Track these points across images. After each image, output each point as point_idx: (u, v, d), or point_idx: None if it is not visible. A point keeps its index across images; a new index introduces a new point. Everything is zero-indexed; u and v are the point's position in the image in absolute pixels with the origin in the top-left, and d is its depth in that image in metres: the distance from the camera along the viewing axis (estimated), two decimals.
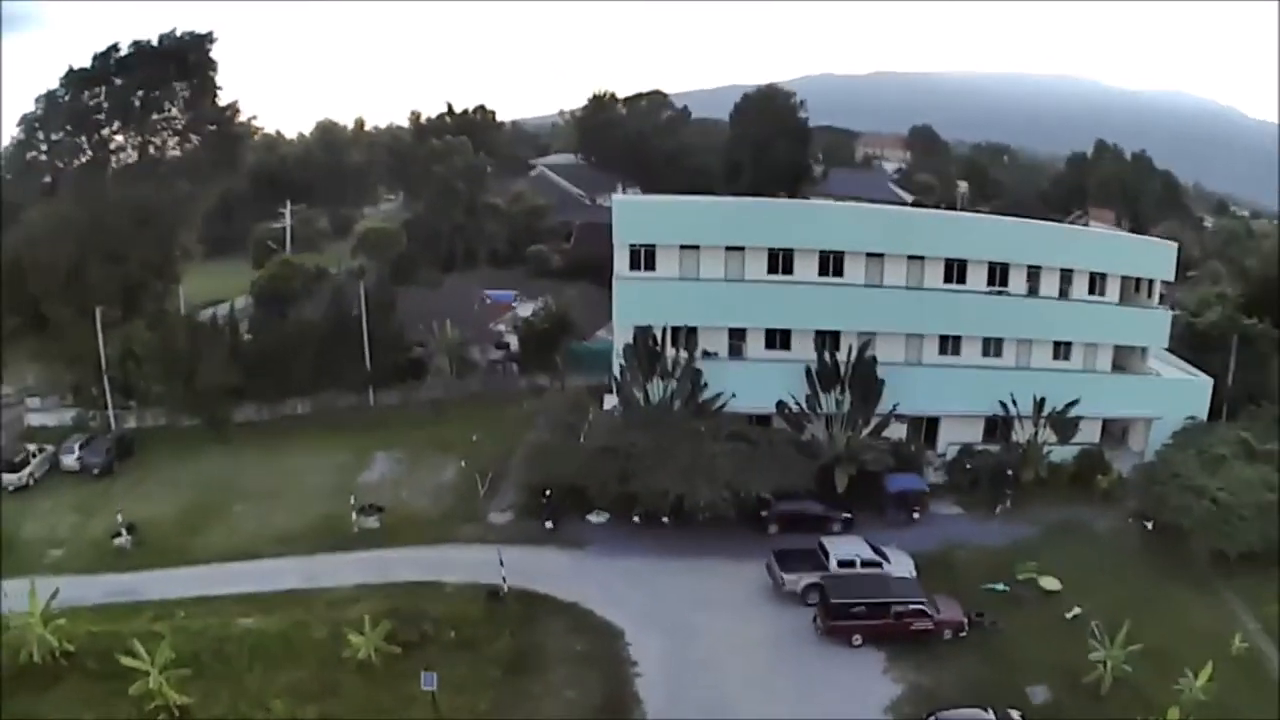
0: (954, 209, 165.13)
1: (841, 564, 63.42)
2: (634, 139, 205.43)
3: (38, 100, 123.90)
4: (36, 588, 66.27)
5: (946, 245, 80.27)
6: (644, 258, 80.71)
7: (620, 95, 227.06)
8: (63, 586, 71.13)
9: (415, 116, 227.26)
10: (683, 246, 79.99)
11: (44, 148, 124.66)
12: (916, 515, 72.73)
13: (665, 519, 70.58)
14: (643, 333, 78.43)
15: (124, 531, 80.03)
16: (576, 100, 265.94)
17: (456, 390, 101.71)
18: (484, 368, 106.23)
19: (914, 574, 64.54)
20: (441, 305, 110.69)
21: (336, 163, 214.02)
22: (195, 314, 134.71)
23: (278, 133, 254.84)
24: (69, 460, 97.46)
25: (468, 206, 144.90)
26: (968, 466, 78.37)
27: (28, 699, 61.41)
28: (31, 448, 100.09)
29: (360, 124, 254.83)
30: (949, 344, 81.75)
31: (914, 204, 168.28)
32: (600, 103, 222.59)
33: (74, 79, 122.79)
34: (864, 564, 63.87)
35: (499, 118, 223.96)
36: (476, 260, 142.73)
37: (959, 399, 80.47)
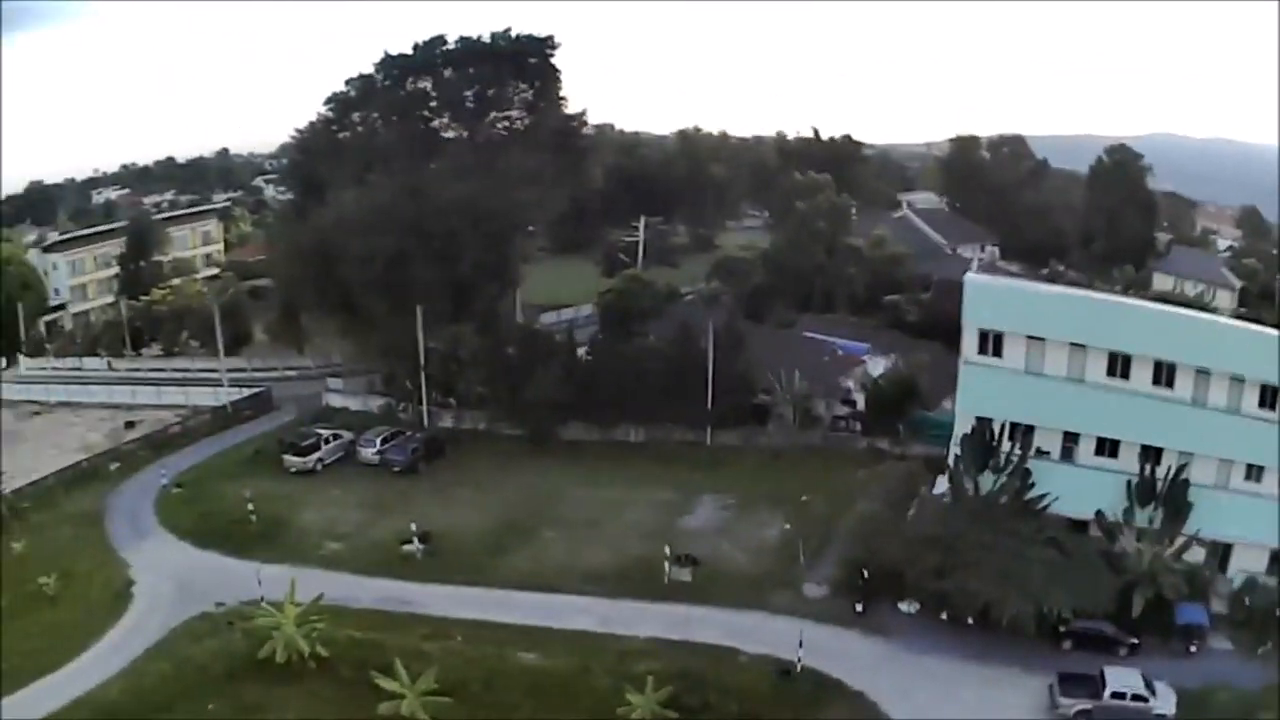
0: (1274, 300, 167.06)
1: (1114, 695, 67.74)
2: (995, 189, 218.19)
3: (349, 82, 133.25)
4: (300, 582, 74.04)
5: (1264, 368, 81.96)
6: (992, 342, 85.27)
7: (982, 136, 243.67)
8: (334, 584, 78.49)
9: (781, 138, 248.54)
10: (1029, 337, 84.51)
11: (359, 129, 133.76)
12: (1194, 649, 75.38)
13: (970, 619, 73.88)
14: (982, 424, 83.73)
15: (416, 539, 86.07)
16: (943, 130, 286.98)
17: (797, 441, 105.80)
18: (827, 423, 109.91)
19: (1173, 711, 68.35)
20: (791, 349, 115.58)
21: (697, 174, 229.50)
22: (533, 317, 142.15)
23: (636, 133, 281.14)
24: (368, 453, 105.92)
25: (828, 246, 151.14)
26: (1246, 602, 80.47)
27: (259, 689, 68.39)
28: (324, 432, 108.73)
29: (724, 135, 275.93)
30: (1254, 472, 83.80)
31: (1240, 289, 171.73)
32: (964, 146, 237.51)
33: (394, 65, 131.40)
34: (1133, 698, 67.94)
35: (866, 144, 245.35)
36: (834, 303, 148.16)
37: (1253, 528, 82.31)
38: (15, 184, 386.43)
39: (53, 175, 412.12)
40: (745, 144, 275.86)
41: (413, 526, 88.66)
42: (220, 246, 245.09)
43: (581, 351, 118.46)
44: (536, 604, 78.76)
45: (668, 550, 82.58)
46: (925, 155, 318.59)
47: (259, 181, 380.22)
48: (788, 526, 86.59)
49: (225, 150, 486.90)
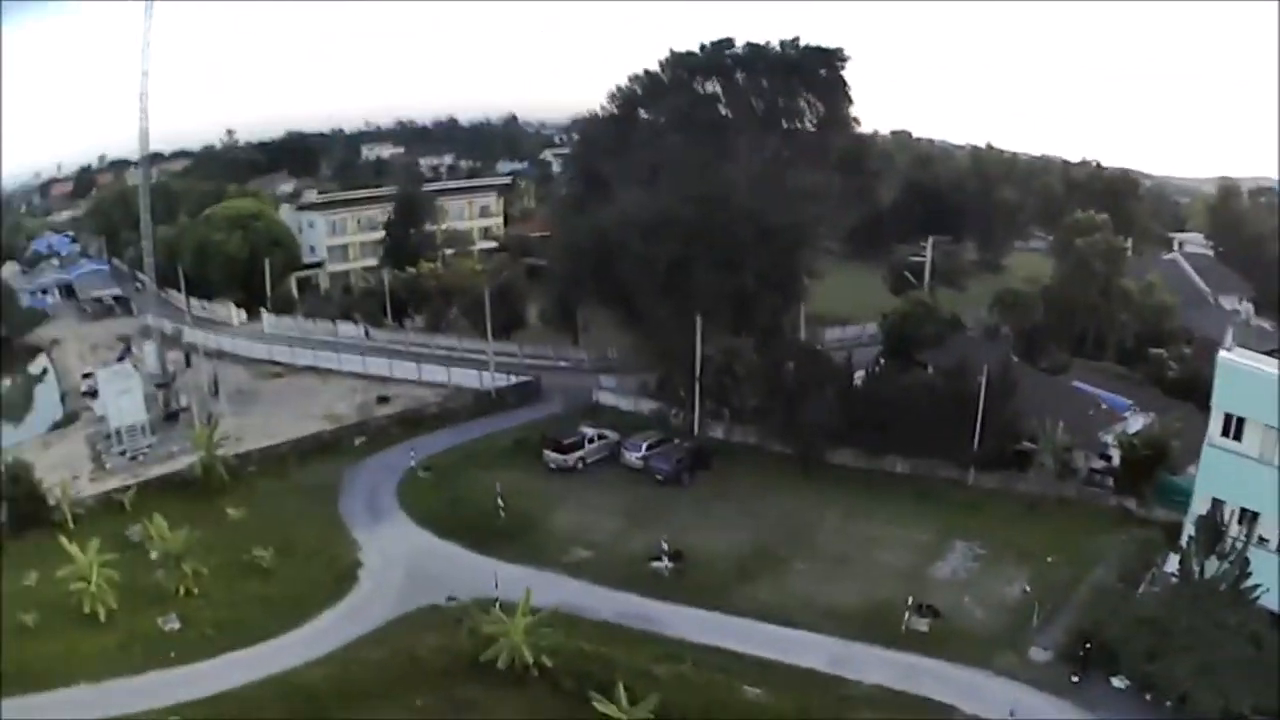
0: None
1: None
2: (1253, 238, 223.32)
3: (633, 79, 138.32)
4: (540, 586, 79.48)
5: None
6: (1234, 426, 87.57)
7: (1241, 178, 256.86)
8: (575, 591, 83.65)
9: (1065, 167, 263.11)
10: (1266, 425, 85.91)
11: (646, 127, 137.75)
12: None
13: (1168, 703, 76.52)
14: (1216, 507, 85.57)
15: (665, 556, 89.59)
16: (1212, 165, 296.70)
17: (1052, 492, 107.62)
18: (1083, 476, 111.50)
19: None
20: (1059, 397, 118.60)
21: (987, 196, 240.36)
22: (816, 331, 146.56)
23: (931, 141, 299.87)
24: (632, 457, 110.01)
25: (1102, 289, 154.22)
26: None
27: (473, 690, 72.80)
28: (590, 431, 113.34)
29: (1014, 156, 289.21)
30: None
31: None
32: (1228, 190, 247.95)
33: (681, 65, 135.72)
34: None
35: (1144, 174, 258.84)
36: (1104, 349, 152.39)
37: None
38: (272, 130, 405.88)
39: (315, 124, 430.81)
40: (1034, 164, 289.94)
41: (664, 543, 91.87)
42: (499, 220, 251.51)
43: (859, 374, 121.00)
44: (773, 636, 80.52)
45: (910, 599, 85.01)
46: (1195, 191, 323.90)
47: (547, 155, 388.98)
48: (1028, 589, 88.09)
49: (513, 117, 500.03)
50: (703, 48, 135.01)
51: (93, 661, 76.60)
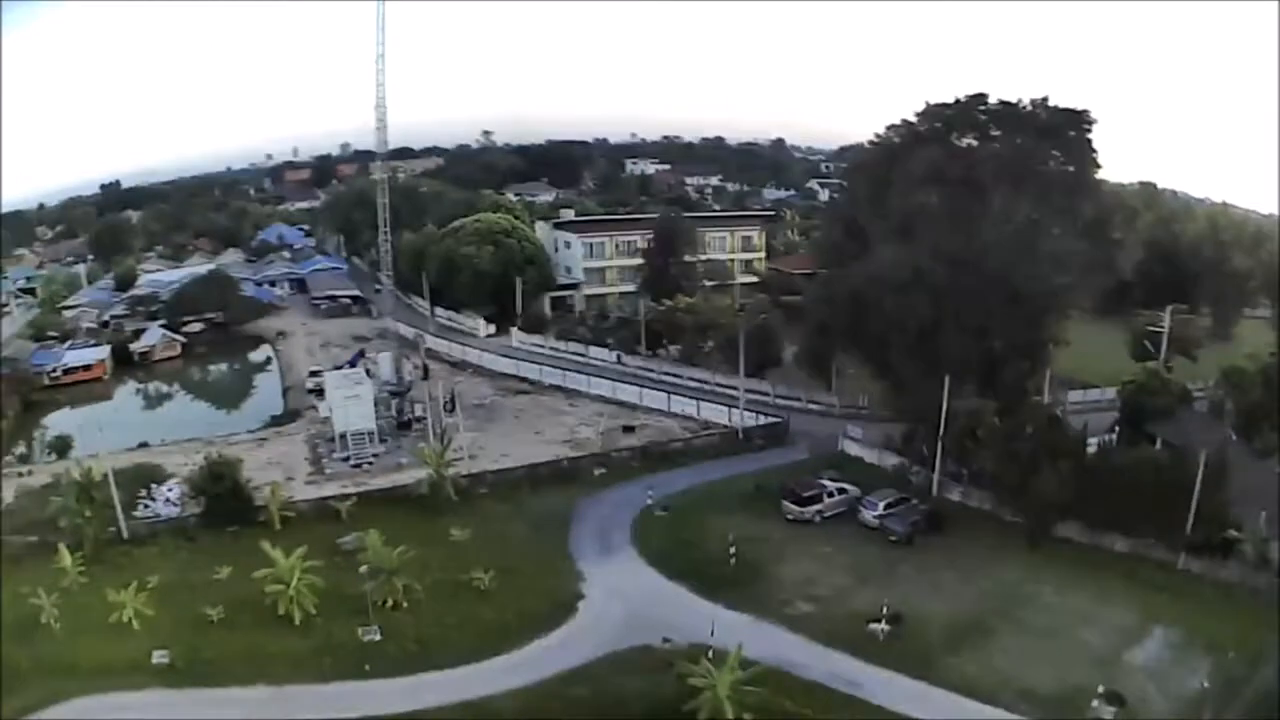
0: None
1: None
2: None
3: (891, 128, 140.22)
4: (758, 637, 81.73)
5: None
6: None
7: None
8: (791, 647, 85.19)
9: (1255, 232, 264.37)
10: None
11: (902, 179, 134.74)
12: None
13: None
14: None
15: (884, 620, 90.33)
16: None
17: (1250, 582, 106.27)
18: (1275, 566, 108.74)
19: None
20: (1265, 480, 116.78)
21: (1222, 261, 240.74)
22: (1060, 392, 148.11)
23: (1174, 193, 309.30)
24: (869, 515, 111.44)
25: None
26: None
27: None
28: (830, 484, 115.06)
29: (1246, 215, 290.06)
30: None
31: None
32: None
33: (937, 118, 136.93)
34: None
35: None
36: None
37: None
38: (530, 133, 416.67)
39: (576, 131, 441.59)
40: (1264, 224, 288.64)
41: (884, 606, 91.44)
42: (761, 254, 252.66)
43: (1093, 442, 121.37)
44: (970, 714, 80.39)
45: (1100, 688, 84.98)
46: None
47: (813, 184, 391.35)
48: (1206, 684, 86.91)
49: (780, 140, 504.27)
50: (957, 101, 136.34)
51: (277, 662, 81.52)
